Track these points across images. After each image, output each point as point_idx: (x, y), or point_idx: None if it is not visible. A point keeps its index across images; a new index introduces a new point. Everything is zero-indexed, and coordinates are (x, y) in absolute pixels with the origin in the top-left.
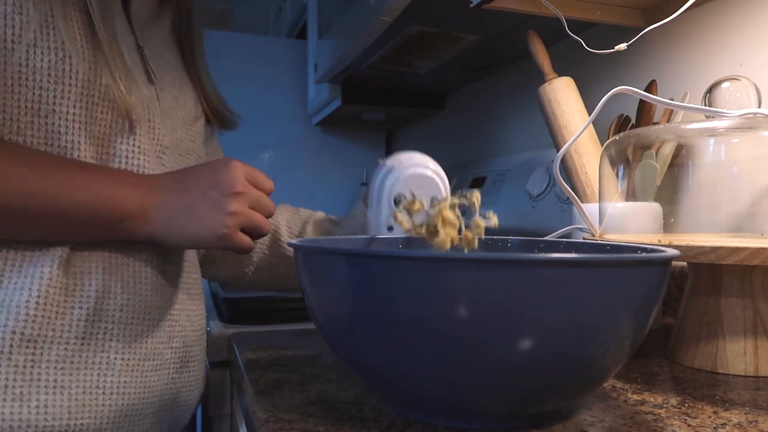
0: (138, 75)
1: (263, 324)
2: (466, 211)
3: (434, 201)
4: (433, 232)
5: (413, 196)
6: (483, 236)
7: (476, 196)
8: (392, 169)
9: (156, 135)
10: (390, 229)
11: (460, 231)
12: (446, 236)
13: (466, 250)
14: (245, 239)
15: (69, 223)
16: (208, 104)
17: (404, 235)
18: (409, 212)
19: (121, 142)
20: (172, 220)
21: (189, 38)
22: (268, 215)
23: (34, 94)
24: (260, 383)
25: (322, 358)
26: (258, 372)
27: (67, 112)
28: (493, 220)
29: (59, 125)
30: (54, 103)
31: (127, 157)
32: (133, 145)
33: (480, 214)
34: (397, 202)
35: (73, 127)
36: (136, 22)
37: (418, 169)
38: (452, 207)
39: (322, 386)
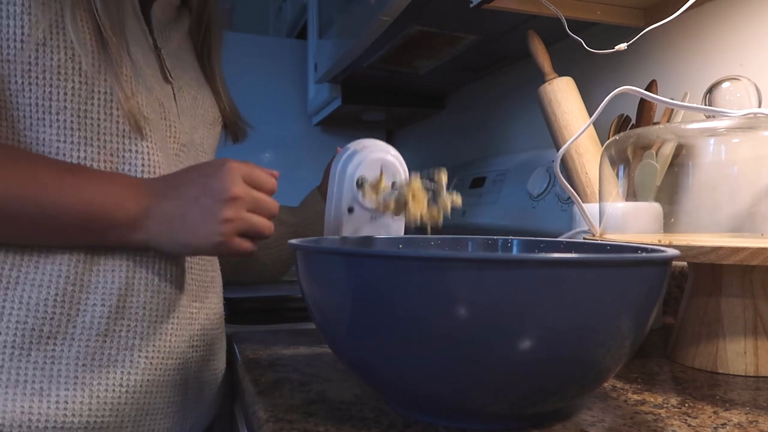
0: (152, 75)
1: (263, 324)
2: (430, 189)
3: (395, 183)
4: (402, 205)
5: (380, 175)
6: (449, 213)
7: (443, 173)
8: (355, 153)
9: (173, 133)
10: (350, 210)
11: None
12: (416, 209)
13: (429, 227)
14: (244, 245)
15: (56, 229)
16: (222, 111)
17: (367, 212)
18: (375, 191)
19: (136, 140)
20: (165, 228)
21: (207, 46)
22: (271, 216)
23: (44, 91)
24: (260, 383)
25: (322, 358)
26: (258, 372)
27: (78, 109)
28: (458, 201)
29: (71, 122)
30: (65, 101)
31: (146, 153)
32: (150, 140)
33: (447, 193)
34: (359, 185)
35: (85, 123)
36: (156, 24)
37: (381, 154)
38: (423, 186)
39: (322, 386)
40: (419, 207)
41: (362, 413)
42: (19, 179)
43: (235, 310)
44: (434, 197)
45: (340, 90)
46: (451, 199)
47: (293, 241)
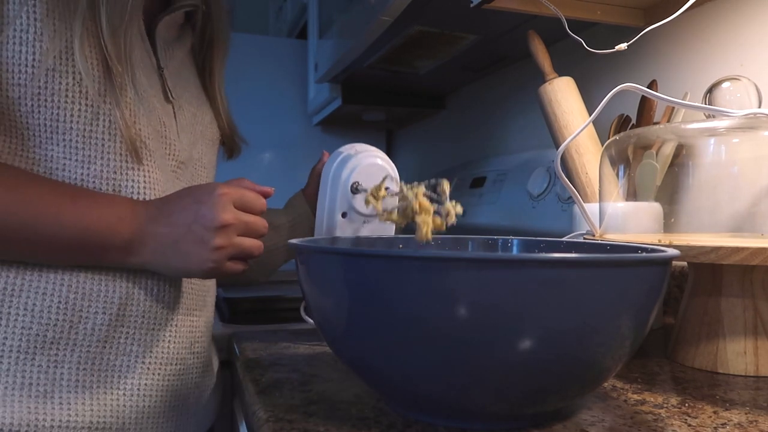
0: (155, 95)
1: (263, 324)
2: (433, 199)
3: (389, 189)
4: (409, 216)
5: (381, 182)
6: (454, 222)
7: (446, 184)
8: (348, 158)
9: (172, 151)
10: (344, 215)
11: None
12: (424, 222)
13: (430, 237)
14: (234, 267)
15: (53, 252)
16: (220, 128)
17: (360, 217)
18: (376, 198)
19: (138, 159)
20: (159, 254)
21: (209, 63)
22: (260, 236)
23: (52, 113)
24: (260, 383)
25: (322, 358)
26: (258, 372)
27: (83, 130)
28: (459, 210)
29: (76, 141)
30: (71, 122)
31: (147, 171)
32: (150, 161)
33: (450, 203)
34: (353, 190)
35: (89, 143)
36: (161, 43)
37: (374, 159)
38: (425, 195)
39: (322, 386)
40: (427, 219)
41: (362, 413)
42: (17, 204)
43: (235, 310)
44: (437, 207)
45: (340, 90)
46: (454, 210)
47: (293, 241)
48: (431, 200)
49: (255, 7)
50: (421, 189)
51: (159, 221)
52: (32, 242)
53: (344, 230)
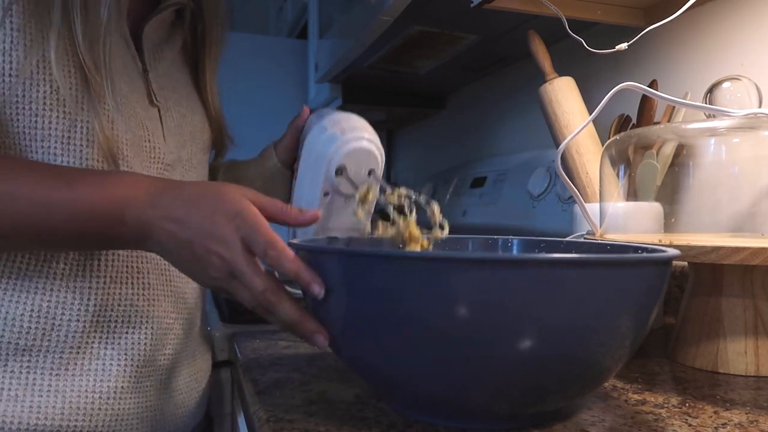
0: (138, 100)
1: (264, 323)
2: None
3: (373, 181)
4: (397, 241)
5: (366, 186)
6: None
7: (436, 209)
8: (334, 138)
9: (156, 154)
10: (326, 194)
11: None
12: (413, 249)
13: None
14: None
15: (59, 240)
16: (210, 126)
17: (342, 197)
18: (363, 201)
19: (115, 167)
20: (171, 250)
21: (201, 63)
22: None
23: (31, 121)
24: (261, 383)
25: (323, 358)
26: (259, 372)
27: (62, 137)
28: (446, 231)
29: (55, 148)
30: (50, 129)
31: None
32: (127, 166)
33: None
34: (338, 173)
35: (68, 150)
36: (148, 46)
37: (361, 143)
38: (416, 222)
39: (322, 386)
40: (416, 247)
41: (363, 413)
42: (4, 196)
43: (235, 310)
44: (414, 212)
45: (340, 90)
46: (441, 234)
47: (293, 241)
48: (418, 208)
49: (255, 7)
50: (412, 219)
51: (168, 216)
52: (26, 235)
53: (326, 209)
